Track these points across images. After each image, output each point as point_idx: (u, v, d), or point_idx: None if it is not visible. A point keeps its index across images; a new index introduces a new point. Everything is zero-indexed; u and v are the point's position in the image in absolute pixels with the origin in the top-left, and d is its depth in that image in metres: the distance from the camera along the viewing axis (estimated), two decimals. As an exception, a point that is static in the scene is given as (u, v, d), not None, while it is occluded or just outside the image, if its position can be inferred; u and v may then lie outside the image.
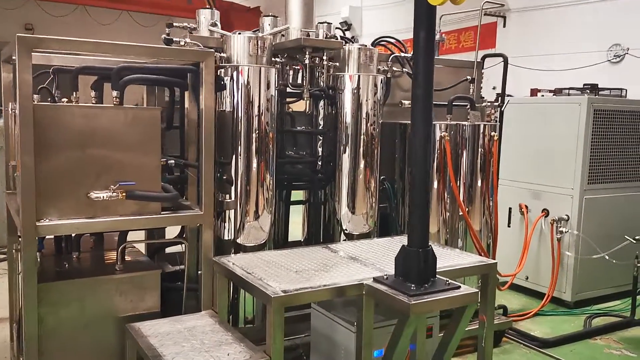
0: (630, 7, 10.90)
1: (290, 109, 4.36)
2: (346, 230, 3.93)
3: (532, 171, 5.73)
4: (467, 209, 4.28)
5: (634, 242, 4.93)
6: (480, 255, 4.27)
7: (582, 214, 5.36)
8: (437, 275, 2.84)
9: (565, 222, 5.42)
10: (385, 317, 3.07)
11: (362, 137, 3.87)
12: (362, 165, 3.89)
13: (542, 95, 6.31)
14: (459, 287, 2.74)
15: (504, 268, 5.65)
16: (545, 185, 5.61)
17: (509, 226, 5.94)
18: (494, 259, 4.54)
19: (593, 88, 5.90)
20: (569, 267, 5.43)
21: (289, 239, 4.37)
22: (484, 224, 4.36)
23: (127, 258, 3.31)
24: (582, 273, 5.41)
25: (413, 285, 2.68)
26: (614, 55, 13.63)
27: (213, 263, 3.16)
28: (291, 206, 4.27)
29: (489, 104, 4.45)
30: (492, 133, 4.22)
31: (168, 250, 4.14)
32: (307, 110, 4.19)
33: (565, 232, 5.40)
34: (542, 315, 5.28)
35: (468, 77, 4.37)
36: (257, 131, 3.45)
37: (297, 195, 4.47)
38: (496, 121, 4.44)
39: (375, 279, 2.82)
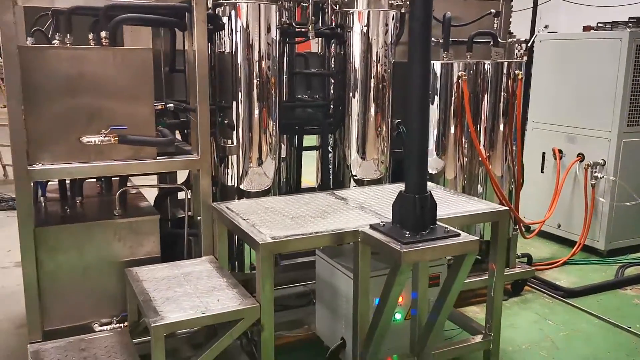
0: None
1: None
2: (356, 176, 3.79)
3: (568, 113, 5.39)
4: (487, 155, 4.06)
5: (674, 188, 4.60)
6: (502, 203, 4.08)
7: (620, 158, 5.03)
8: (437, 223, 2.70)
9: (601, 167, 5.11)
10: (388, 264, 2.98)
11: (372, 79, 3.67)
12: (372, 109, 3.71)
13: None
14: (458, 235, 2.59)
15: (536, 215, 5.46)
16: (582, 129, 5.28)
17: (542, 172, 5.67)
18: (517, 206, 4.37)
19: (638, 22, 5.43)
20: (603, 214, 5.15)
21: (304, 186, 4.28)
22: (506, 170, 4.14)
23: (130, 203, 3.30)
24: (617, 221, 5.13)
25: (408, 232, 2.55)
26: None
27: (212, 209, 3.11)
28: (307, 152, 4.16)
29: (515, 40, 4.13)
30: (517, 72, 3.93)
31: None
32: (319, 51, 4.02)
33: (601, 177, 5.10)
34: (572, 265, 5.07)
35: (492, 10, 4.05)
36: (259, 77, 3.31)
37: (312, 140, 4.36)
38: (524, 59, 4.13)
39: (372, 226, 2.70)
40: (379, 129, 3.76)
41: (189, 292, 2.67)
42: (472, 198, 3.34)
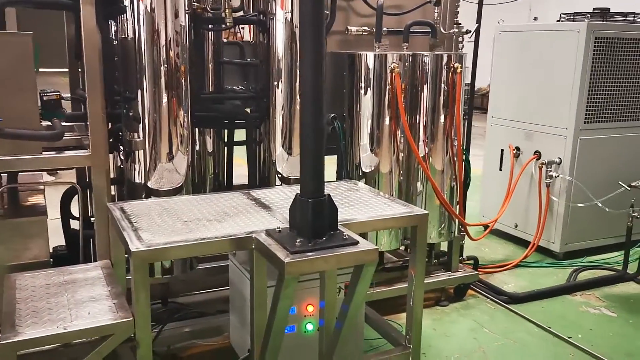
0: None
1: (242, 38, 3.94)
2: (281, 173, 3.54)
3: (526, 109, 5.16)
4: (427, 149, 3.83)
5: (628, 189, 4.37)
6: (440, 201, 3.86)
7: (576, 157, 4.80)
8: (340, 229, 2.46)
9: (557, 165, 4.88)
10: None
11: (297, 69, 3.41)
12: (298, 100, 3.46)
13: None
14: (356, 243, 2.35)
15: (495, 214, 5.24)
16: (539, 125, 5.05)
17: (500, 169, 5.44)
18: (462, 204, 4.15)
19: (603, 13, 5.19)
20: (559, 215, 4.93)
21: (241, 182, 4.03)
22: (447, 165, 3.90)
23: (24, 202, 3.04)
24: (573, 222, 4.91)
25: (300, 240, 2.31)
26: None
27: (108, 210, 2.86)
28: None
29: (457, 31, 3.88)
30: (456, 65, 3.68)
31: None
32: (251, 39, 3.77)
33: (556, 176, 4.87)
34: (525, 267, 4.86)
35: (430, -1, 3.80)
36: (166, 64, 3.05)
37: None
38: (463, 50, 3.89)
39: (267, 232, 2.46)
40: (306, 124, 3.50)
41: (63, 303, 2.42)
42: (394, 200, 3.09)
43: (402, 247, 4.41)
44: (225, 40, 3.76)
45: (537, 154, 5.04)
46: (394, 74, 3.53)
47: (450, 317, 3.89)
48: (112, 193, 3.41)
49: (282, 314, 2.31)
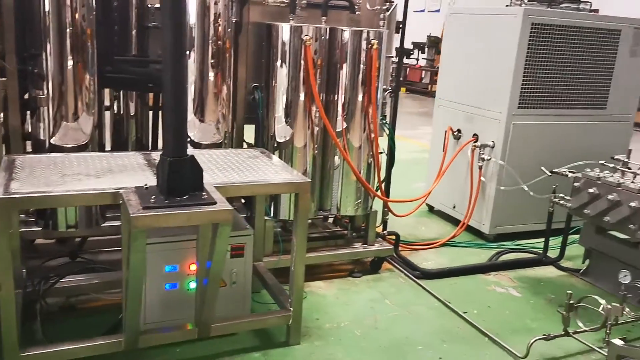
0: None
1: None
2: (193, 139, 3.64)
3: (469, 92, 5.21)
4: (345, 125, 3.91)
5: (549, 175, 4.43)
6: (356, 177, 3.95)
7: (509, 141, 4.86)
8: (207, 189, 2.57)
9: (490, 149, 4.94)
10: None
11: (209, 38, 3.49)
12: (210, 69, 3.54)
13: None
14: (213, 203, 2.46)
15: (437, 194, 5.36)
16: (478, 108, 5.10)
17: (443, 151, 5.50)
18: (381, 180, 4.24)
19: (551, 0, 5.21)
20: (490, 198, 5.01)
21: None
22: (364, 141, 3.98)
23: None
24: (504, 205, 4.99)
25: (155, 197, 2.42)
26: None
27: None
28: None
29: (378, 8, 3.93)
30: (373, 40, 3.74)
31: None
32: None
33: (488, 159, 4.94)
34: (452, 247, 4.95)
35: (354, -26, 3.84)
36: (71, 26, 3.14)
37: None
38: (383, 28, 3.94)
39: (136, 189, 2.57)
40: (219, 91, 3.59)
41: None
42: (286, 169, 3.18)
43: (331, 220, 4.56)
44: (150, 6, 3.82)
45: (475, 137, 5.10)
46: (305, 47, 3.60)
47: (357, 287, 4.00)
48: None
49: (136, 267, 2.42)
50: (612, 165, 4.11)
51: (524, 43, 4.65)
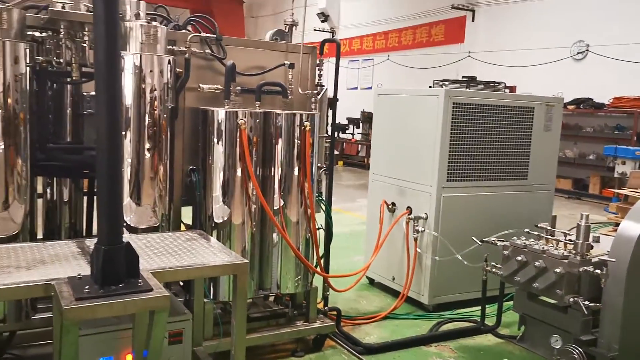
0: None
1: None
2: (129, 223, 3.61)
3: (400, 166, 5.45)
4: (282, 201, 3.99)
5: (480, 244, 4.63)
6: (294, 252, 3.99)
7: (440, 213, 5.07)
8: (144, 276, 2.55)
9: (424, 220, 5.13)
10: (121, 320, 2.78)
11: (146, 121, 3.55)
12: (146, 152, 3.58)
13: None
14: (149, 290, 2.43)
15: (375, 268, 5.45)
16: (409, 182, 5.32)
17: (379, 224, 5.64)
18: (318, 255, 4.29)
19: (470, 81, 5.62)
20: (427, 268, 5.14)
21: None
22: (302, 216, 4.06)
23: None
24: (441, 275, 5.13)
25: (88, 286, 2.37)
26: (577, 52, 13.41)
27: None
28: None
29: (310, 92, 4.14)
30: (305, 123, 3.91)
31: None
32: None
33: (422, 231, 5.11)
34: (393, 319, 5.00)
35: (285, 62, 4.05)
36: (3, 109, 3.13)
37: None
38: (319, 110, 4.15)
39: (69, 279, 2.51)
40: (155, 173, 3.62)
41: None
42: (224, 251, 3.19)
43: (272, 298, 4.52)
44: (85, 93, 3.87)
45: (409, 209, 5.29)
46: (241, 130, 3.71)
47: (301, 367, 3.96)
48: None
49: (68, 361, 2.33)
50: (536, 233, 4.35)
51: (447, 121, 4.97)
